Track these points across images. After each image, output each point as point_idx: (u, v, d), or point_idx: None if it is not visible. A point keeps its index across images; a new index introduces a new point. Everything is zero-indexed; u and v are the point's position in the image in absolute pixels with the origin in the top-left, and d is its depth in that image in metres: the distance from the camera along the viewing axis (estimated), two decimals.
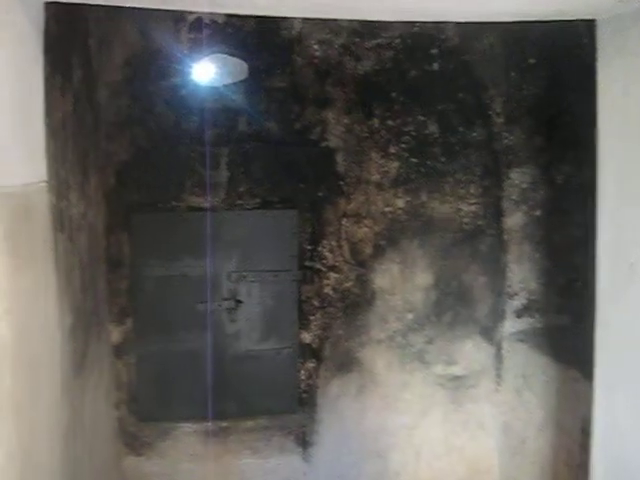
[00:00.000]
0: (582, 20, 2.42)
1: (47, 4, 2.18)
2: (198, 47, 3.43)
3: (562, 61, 3.43)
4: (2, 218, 1.77)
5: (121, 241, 3.47)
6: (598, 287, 2.53)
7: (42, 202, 2.15)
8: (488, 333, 3.82)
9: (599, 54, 2.43)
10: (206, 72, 3.42)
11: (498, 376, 3.85)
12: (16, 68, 1.93)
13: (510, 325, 3.81)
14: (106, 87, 3.31)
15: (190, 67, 3.42)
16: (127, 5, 2.46)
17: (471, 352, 3.82)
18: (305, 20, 3.45)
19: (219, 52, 3.44)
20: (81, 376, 2.69)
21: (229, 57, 3.43)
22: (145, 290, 3.53)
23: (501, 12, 2.44)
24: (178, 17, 3.35)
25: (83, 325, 2.72)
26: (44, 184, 2.17)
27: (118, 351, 3.53)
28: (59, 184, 2.37)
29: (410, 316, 3.75)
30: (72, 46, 2.64)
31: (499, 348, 3.83)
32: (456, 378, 3.83)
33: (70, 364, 2.47)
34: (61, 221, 2.39)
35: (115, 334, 3.51)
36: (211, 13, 3.34)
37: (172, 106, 3.43)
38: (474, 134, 3.69)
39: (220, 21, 3.41)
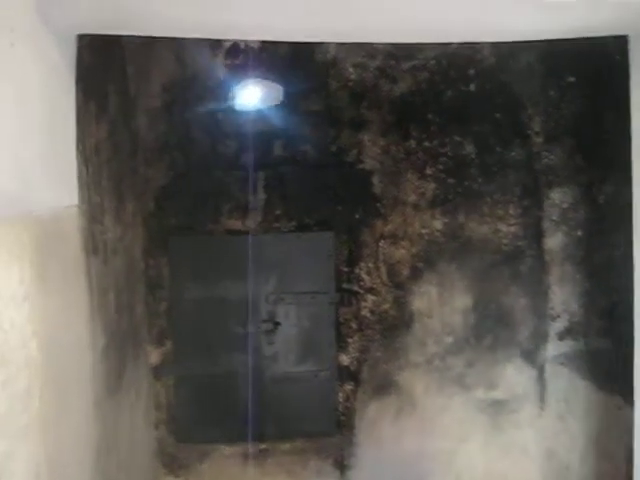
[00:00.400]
0: (614, 36, 2.38)
1: (80, 36, 2.26)
2: (234, 72, 3.49)
3: (600, 78, 3.37)
4: (30, 242, 1.82)
5: (160, 264, 3.53)
6: (636, 310, 2.45)
7: (73, 226, 2.21)
8: (530, 356, 3.74)
9: (632, 70, 2.38)
10: (242, 97, 3.48)
11: (541, 400, 3.75)
12: (47, 98, 1.99)
13: (552, 348, 3.73)
14: (145, 113, 3.39)
15: (227, 92, 3.48)
16: (159, 35, 2.54)
17: (512, 376, 3.74)
18: (340, 44, 3.48)
19: (255, 77, 3.50)
20: (116, 396, 2.73)
21: (265, 81, 3.48)
22: (184, 312, 3.58)
23: (530, 30, 2.41)
24: (214, 43, 3.42)
25: (118, 346, 2.77)
26: (75, 208, 2.23)
27: (157, 372, 3.57)
28: (92, 208, 2.43)
29: (449, 339, 3.70)
30: (107, 75, 2.72)
31: (541, 372, 3.75)
32: (497, 402, 3.75)
33: (103, 384, 2.52)
34: (94, 244, 2.45)
35: (154, 355, 3.57)
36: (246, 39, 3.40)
37: (209, 131, 3.50)
38: (512, 154, 3.64)
39: (255, 47, 3.47)
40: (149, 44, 3.26)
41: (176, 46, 3.37)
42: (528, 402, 3.76)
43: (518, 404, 3.76)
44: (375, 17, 2.21)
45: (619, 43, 2.42)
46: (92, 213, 2.43)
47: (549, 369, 3.74)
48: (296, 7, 2.06)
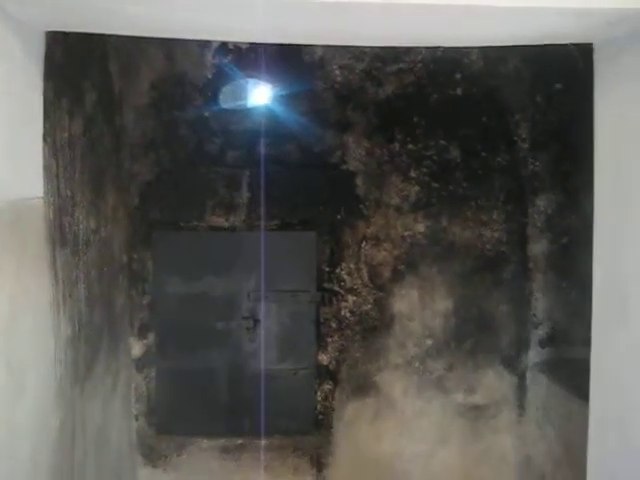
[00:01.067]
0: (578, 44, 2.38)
1: (49, 32, 2.31)
2: (222, 71, 3.54)
3: (584, 86, 3.35)
4: None
5: (144, 258, 3.59)
6: (593, 323, 2.45)
7: (35, 217, 2.27)
8: (510, 362, 3.74)
9: (595, 78, 2.38)
10: (229, 96, 3.52)
11: (520, 407, 3.75)
12: (6, 93, 2.04)
13: (534, 355, 3.72)
14: (132, 110, 3.45)
15: (214, 91, 3.53)
16: (135, 35, 2.58)
17: (492, 381, 3.75)
18: (327, 46, 3.50)
19: (242, 76, 3.54)
20: (85, 385, 2.79)
21: (251, 81, 3.52)
22: (167, 306, 3.63)
23: (491, 37, 2.42)
24: (203, 42, 3.47)
25: (89, 337, 2.82)
26: (39, 200, 2.29)
27: (139, 365, 3.64)
28: (62, 201, 2.49)
29: (429, 342, 3.71)
30: (84, 71, 2.77)
31: (522, 378, 3.74)
32: (476, 407, 3.75)
33: (68, 373, 2.57)
34: (62, 236, 2.50)
35: (136, 348, 3.63)
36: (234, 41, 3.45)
37: (195, 129, 3.55)
38: (498, 159, 3.65)
39: (243, 47, 3.51)
40: (136, 41, 3.31)
41: (165, 44, 3.42)
42: (507, 408, 3.76)
43: (497, 410, 3.76)
44: (362, 22, 2.23)
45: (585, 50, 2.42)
46: (61, 205, 2.49)
47: (529, 376, 3.74)
48: (283, 11, 2.09)
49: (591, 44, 2.38)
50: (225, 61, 3.53)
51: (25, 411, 2.18)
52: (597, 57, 2.37)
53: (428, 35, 2.53)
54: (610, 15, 1.93)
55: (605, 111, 2.36)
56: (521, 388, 3.75)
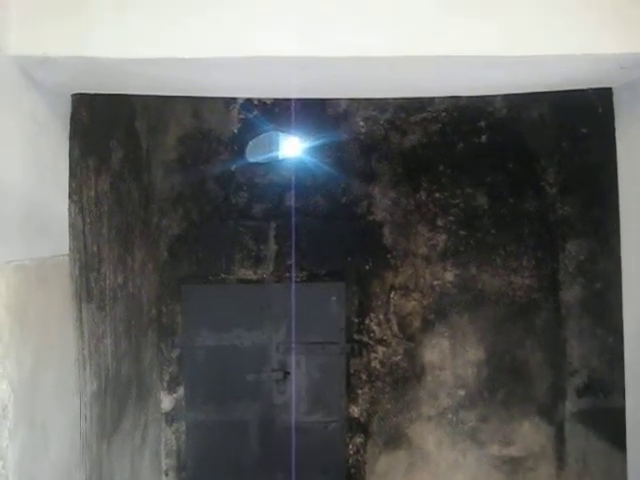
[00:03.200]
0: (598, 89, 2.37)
1: (75, 95, 2.39)
2: (248, 126, 3.60)
3: (608, 129, 3.33)
4: (6, 290, 1.92)
5: (173, 312, 3.62)
6: (626, 370, 2.38)
7: (61, 274, 2.31)
8: (547, 413, 3.64)
9: (616, 122, 2.36)
10: (255, 149, 3.58)
11: (559, 459, 3.63)
12: (32, 155, 2.10)
13: (571, 405, 3.62)
14: (160, 166, 3.53)
15: (240, 145, 3.59)
16: (165, 94, 2.65)
17: (529, 432, 3.65)
18: (351, 98, 3.55)
19: (267, 130, 3.60)
20: (112, 440, 2.79)
21: (277, 135, 3.57)
22: (196, 359, 3.64)
23: (512, 85, 2.43)
24: (228, 99, 3.54)
25: (116, 391, 2.83)
26: (65, 257, 2.33)
27: (168, 419, 3.63)
28: (87, 257, 2.53)
29: (461, 392, 3.64)
30: (109, 130, 2.85)
31: (560, 429, 3.64)
32: (513, 460, 3.65)
33: (94, 428, 2.58)
34: (88, 291, 2.54)
35: (166, 402, 3.63)
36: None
37: (222, 182, 3.60)
38: (526, 205, 3.62)
39: (268, 102, 3.58)
40: (163, 99, 3.39)
41: (191, 101, 3.50)
42: (545, 461, 3.65)
43: (535, 462, 3.65)
44: (390, 76, 2.26)
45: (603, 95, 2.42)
46: (87, 261, 2.53)
47: (568, 427, 3.63)
48: (308, 67, 2.13)
49: (610, 88, 2.37)
50: (250, 116, 3.60)
51: (49, 468, 2.19)
52: (616, 101, 2.36)
53: (450, 85, 2.55)
54: (622, 60, 1.92)
55: (627, 154, 2.34)
56: (559, 439, 3.64)
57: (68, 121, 2.37)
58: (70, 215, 2.40)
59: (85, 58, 1.86)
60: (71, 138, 2.39)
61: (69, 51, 1.86)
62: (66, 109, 2.36)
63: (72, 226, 2.41)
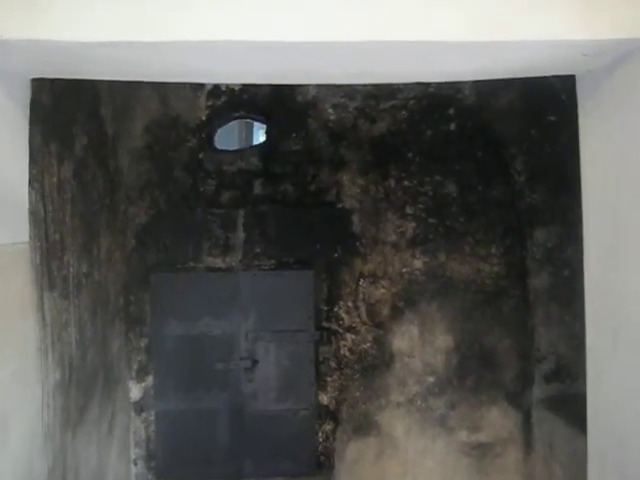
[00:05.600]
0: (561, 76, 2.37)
1: (36, 80, 2.34)
2: (216, 113, 3.57)
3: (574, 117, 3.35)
4: None
5: (141, 300, 3.59)
6: (587, 356, 2.40)
7: (21, 262, 2.27)
8: (515, 399, 3.67)
9: (579, 109, 2.37)
10: (223, 137, 3.55)
11: (526, 445, 3.67)
12: None
13: (539, 391, 3.65)
14: (126, 153, 3.48)
15: (207, 132, 3.55)
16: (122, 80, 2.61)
17: (497, 419, 3.68)
18: (320, 85, 3.53)
19: (236, 117, 3.57)
20: (77, 430, 2.76)
21: (245, 122, 3.54)
22: (165, 348, 3.61)
23: (477, 71, 2.42)
24: (196, 85, 3.50)
25: (81, 380, 2.80)
26: (25, 245, 2.29)
27: (137, 408, 3.61)
28: (49, 245, 2.50)
29: (431, 379, 3.65)
30: (72, 116, 2.80)
31: (527, 415, 3.67)
32: (481, 446, 3.68)
33: (58, 418, 2.55)
34: (50, 280, 2.50)
35: (134, 391, 3.60)
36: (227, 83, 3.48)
37: (190, 170, 3.57)
38: (494, 193, 3.63)
39: (236, 88, 3.54)
40: (129, 85, 3.34)
41: (158, 87, 3.45)
42: (513, 446, 3.68)
43: (503, 448, 3.68)
44: (355, 61, 2.24)
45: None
46: (49, 249, 2.50)
47: (535, 412, 3.66)
48: (276, 52, 2.10)
49: (573, 76, 2.38)
50: (218, 103, 3.56)
51: (8, 458, 2.16)
52: (579, 88, 2.36)
53: (416, 71, 2.54)
54: (584, 47, 1.93)
55: (589, 141, 2.35)
56: (527, 425, 3.67)
57: (28, 106, 2.32)
58: (30, 202, 2.35)
59: (40, 41, 1.81)
60: (31, 124, 2.34)
61: (24, 34, 1.81)
62: (25, 94, 2.31)
63: (32, 213, 2.37)
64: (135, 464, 3.61)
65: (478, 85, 3.56)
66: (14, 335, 2.21)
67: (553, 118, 3.57)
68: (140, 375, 3.61)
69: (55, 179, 2.59)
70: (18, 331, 2.25)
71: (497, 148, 3.62)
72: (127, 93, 3.42)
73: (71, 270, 2.74)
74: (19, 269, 2.27)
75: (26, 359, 2.31)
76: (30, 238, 2.34)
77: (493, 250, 3.63)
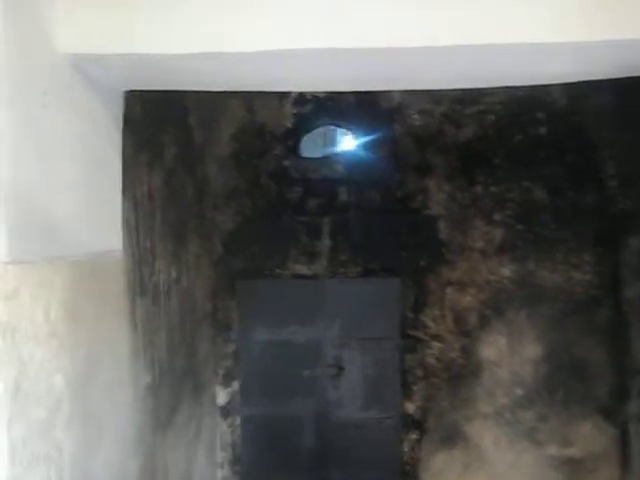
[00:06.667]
0: None
1: (128, 91, 2.42)
2: (301, 120, 3.60)
3: None
4: (61, 284, 1.96)
5: (228, 307, 3.65)
6: None
7: (115, 269, 2.34)
8: (609, 413, 3.53)
9: None
10: (308, 144, 3.57)
11: (622, 461, 3.52)
12: (86, 152, 2.14)
13: (635, 406, 3.49)
14: (214, 161, 3.55)
15: (293, 140, 3.59)
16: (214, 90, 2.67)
17: (590, 433, 3.54)
18: (405, 91, 3.50)
19: (321, 125, 3.59)
20: (166, 432, 2.83)
21: (330, 129, 3.56)
22: (251, 354, 3.66)
23: (568, 73, 2.35)
24: (282, 93, 3.53)
25: (170, 384, 2.87)
26: (118, 252, 2.37)
27: (223, 412, 3.66)
28: (140, 252, 2.57)
29: (519, 391, 3.56)
30: (162, 126, 2.88)
31: (623, 431, 3.52)
32: (572, 461, 3.55)
33: (148, 420, 2.61)
34: (142, 286, 2.58)
35: (221, 395, 3.66)
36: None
37: (276, 177, 3.60)
38: (586, 199, 3.51)
39: (321, 96, 3.56)
40: (216, 95, 3.40)
41: (244, 96, 3.51)
42: (608, 462, 3.54)
43: (596, 464, 3.55)
44: (439, 66, 2.22)
45: None
46: (140, 256, 2.57)
47: (632, 428, 3.51)
48: (361, 58, 2.11)
49: None
50: (304, 110, 3.59)
51: (103, 459, 2.23)
52: None
53: (505, 74, 2.49)
54: None
55: None
56: (623, 441, 3.52)
57: (121, 117, 2.40)
58: (123, 211, 2.43)
59: (135, 55, 1.88)
60: (124, 134, 2.42)
61: (120, 48, 1.88)
62: (119, 106, 2.39)
63: (125, 222, 2.45)
64: (221, 467, 3.66)
65: (569, 87, 3.43)
66: (108, 340, 2.28)
67: None
68: (227, 380, 3.67)
69: (146, 188, 2.67)
70: (112, 336, 2.32)
71: (588, 152, 3.50)
72: (214, 102, 3.49)
73: (161, 277, 2.81)
74: (114, 276, 2.35)
75: (119, 363, 2.37)
76: (123, 246, 2.42)
77: (585, 258, 3.52)
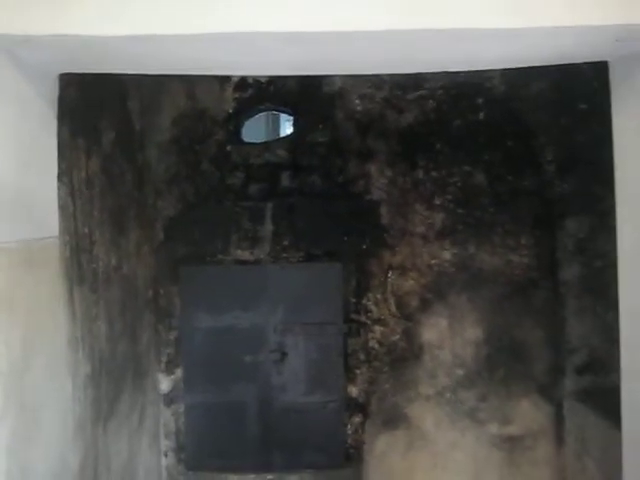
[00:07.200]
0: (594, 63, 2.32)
1: (63, 74, 2.35)
2: (243, 105, 3.56)
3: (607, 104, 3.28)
4: None
5: (170, 293, 3.60)
6: (622, 347, 2.36)
7: (51, 256, 2.29)
8: (546, 391, 3.62)
9: (612, 96, 2.32)
10: (251, 129, 3.54)
11: (558, 438, 3.62)
12: (17, 136, 2.08)
13: (570, 383, 3.60)
14: (154, 146, 3.50)
15: (234, 125, 3.55)
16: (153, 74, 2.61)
17: (528, 411, 3.63)
18: (346, 75, 3.50)
19: (263, 110, 3.57)
20: (108, 422, 2.79)
21: (272, 114, 3.53)
22: (194, 341, 3.63)
23: (507, 59, 2.39)
24: (223, 77, 3.50)
25: (111, 373, 2.83)
26: (54, 240, 2.31)
27: (167, 400, 3.63)
28: (78, 239, 2.51)
29: (460, 372, 3.62)
30: (100, 111, 2.82)
31: (559, 407, 3.62)
32: (512, 439, 3.64)
33: (88, 411, 2.57)
34: (80, 274, 2.52)
35: (164, 383, 3.63)
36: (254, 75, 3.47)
37: (218, 163, 3.57)
38: (524, 183, 3.58)
39: (263, 80, 3.53)
40: (156, 79, 3.35)
41: (185, 81, 3.46)
42: (545, 439, 3.64)
43: (534, 441, 3.64)
44: (381, 51, 2.22)
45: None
46: (78, 243, 2.52)
47: (567, 405, 3.61)
48: (302, 42, 2.09)
49: (606, 62, 2.33)
50: (245, 95, 3.56)
51: (41, 451, 2.18)
52: (612, 75, 2.31)
53: (446, 60, 2.51)
54: (617, 32, 1.88)
55: (623, 129, 2.30)
56: (559, 418, 3.62)
57: (56, 102, 2.34)
58: (59, 197, 2.37)
59: (67, 36, 1.82)
60: (59, 119, 2.36)
61: (52, 29, 1.81)
62: (53, 89, 2.32)
63: (62, 208, 2.39)
64: (165, 456, 3.64)
65: (507, 74, 3.50)
66: (44, 329, 2.23)
67: (584, 106, 3.50)
68: (169, 368, 3.63)
69: (84, 173, 2.61)
70: (48, 325, 2.27)
71: (527, 138, 3.57)
72: (154, 87, 3.43)
73: (100, 264, 2.76)
74: (49, 263, 2.29)
75: (56, 353, 2.33)
76: (59, 232, 2.36)
77: (523, 241, 3.58)
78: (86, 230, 2.62)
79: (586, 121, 3.49)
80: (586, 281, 3.58)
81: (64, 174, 2.41)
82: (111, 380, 2.85)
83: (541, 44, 2.12)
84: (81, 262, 2.55)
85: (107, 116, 2.89)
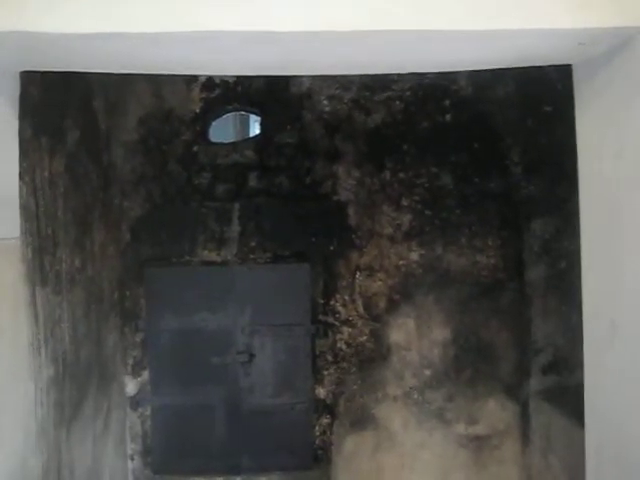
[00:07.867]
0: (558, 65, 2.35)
1: (25, 72, 2.31)
2: (210, 105, 3.54)
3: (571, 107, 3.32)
4: None
5: (136, 295, 3.56)
6: (585, 347, 2.38)
7: (11, 257, 2.25)
8: (512, 391, 3.66)
9: (576, 99, 2.34)
10: (218, 129, 3.52)
11: (524, 436, 3.66)
12: None
13: (536, 382, 3.64)
14: (120, 146, 3.46)
15: (201, 125, 3.53)
16: (108, 72, 2.57)
17: (494, 411, 3.66)
18: (314, 76, 3.49)
19: (230, 110, 3.54)
20: (71, 426, 2.74)
21: (239, 115, 3.52)
22: (161, 343, 3.59)
23: (473, 61, 2.40)
24: (190, 77, 3.47)
25: (75, 376, 2.78)
26: (15, 241, 2.27)
27: (133, 403, 3.59)
28: (41, 240, 2.47)
29: (428, 372, 3.64)
30: (64, 110, 2.78)
31: (525, 407, 3.66)
32: (479, 438, 3.66)
33: (51, 415, 2.53)
34: (42, 275, 2.48)
35: (130, 386, 3.58)
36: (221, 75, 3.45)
37: (185, 163, 3.54)
38: (491, 185, 3.60)
39: (231, 80, 3.51)
40: (122, 78, 3.30)
41: (152, 80, 3.42)
42: (511, 438, 3.67)
43: (501, 440, 3.67)
44: (348, 51, 2.21)
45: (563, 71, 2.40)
46: (40, 244, 2.47)
47: (532, 404, 3.65)
48: (269, 42, 2.07)
49: (570, 65, 2.35)
50: (212, 95, 3.53)
51: (2, 457, 2.14)
52: (576, 78, 2.34)
53: (413, 61, 2.51)
54: (580, 35, 1.90)
55: (586, 131, 2.33)
56: (524, 417, 3.66)
57: (17, 100, 2.30)
58: (21, 197, 2.33)
59: (22, 33, 1.77)
60: (21, 117, 2.32)
61: (10, 25, 1.77)
62: (14, 87, 2.28)
63: (24, 208, 2.35)
64: (132, 459, 3.59)
65: (474, 76, 3.52)
66: (5, 331, 2.19)
67: (549, 109, 3.55)
68: (136, 370, 3.59)
69: (47, 173, 2.56)
70: (10, 327, 2.23)
71: (493, 139, 3.60)
72: (120, 86, 3.39)
73: (64, 265, 2.71)
74: (10, 265, 2.25)
75: (18, 356, 2.29)
76: (21, 233, 2.32)
77: (490, 242, 3.61)
78: (49, 231, 2.57)
79: (551, 123, 3.54)
80: (551, 282, 3.62)
81: (26, 173, 2.37)
82: (75, 383, 2.80)
83: (505, 47, 2.13)
84: (44, 264, 2.51)
85: (72, 115, 2.85)
